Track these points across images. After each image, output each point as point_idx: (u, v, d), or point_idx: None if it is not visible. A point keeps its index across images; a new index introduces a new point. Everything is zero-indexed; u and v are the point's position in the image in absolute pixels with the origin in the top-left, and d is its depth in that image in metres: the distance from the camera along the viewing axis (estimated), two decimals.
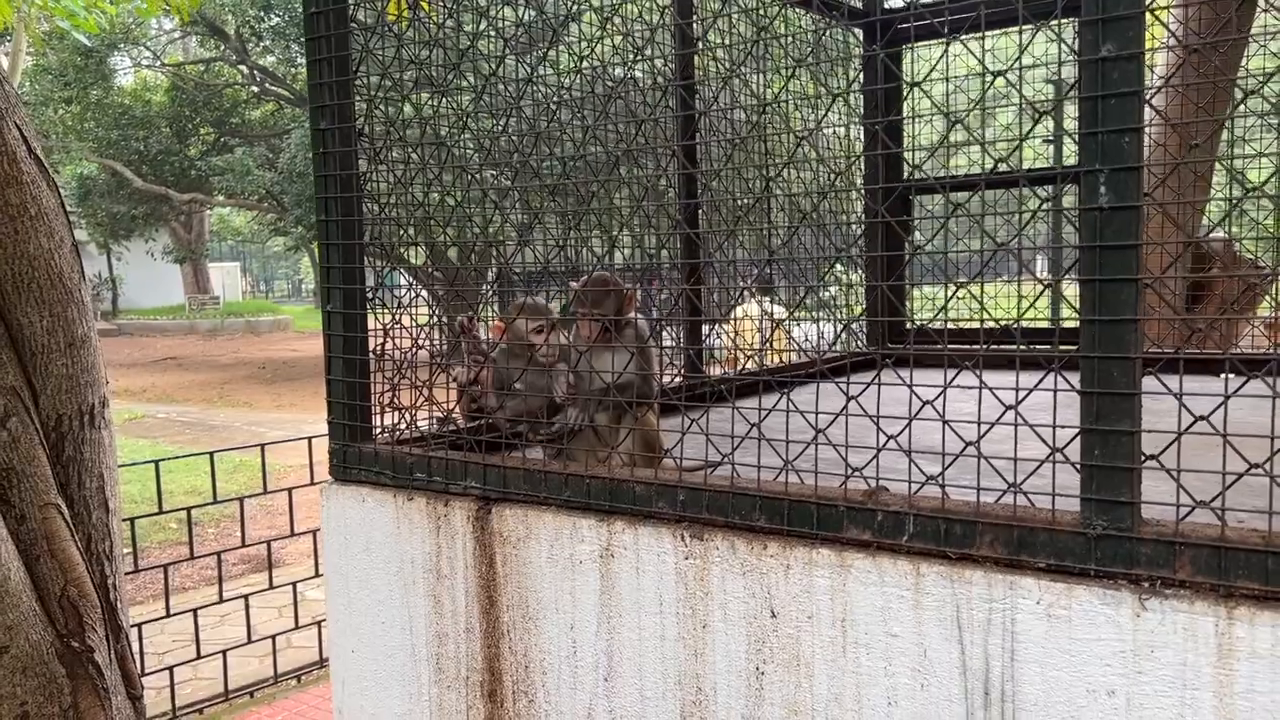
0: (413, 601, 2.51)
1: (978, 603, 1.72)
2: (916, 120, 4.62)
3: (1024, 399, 1.69)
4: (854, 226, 4.63)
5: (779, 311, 4.30)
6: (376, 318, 2.65)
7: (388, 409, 2.66)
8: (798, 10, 4.13)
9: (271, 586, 5.58)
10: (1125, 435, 1.58)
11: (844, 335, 4.44)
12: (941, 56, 1.94)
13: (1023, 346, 1.72)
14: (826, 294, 4.28)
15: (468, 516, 2.37)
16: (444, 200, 2.77)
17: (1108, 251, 1.57)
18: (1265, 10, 4.63)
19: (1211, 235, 5.34)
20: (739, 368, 4.11)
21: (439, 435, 2.62)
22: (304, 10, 2.59)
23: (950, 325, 1.94)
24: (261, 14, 20.45)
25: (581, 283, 2.39)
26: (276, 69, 22.73)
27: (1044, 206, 2.88)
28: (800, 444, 1.94)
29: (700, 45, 3.42)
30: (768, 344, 3.27)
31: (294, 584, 5.72)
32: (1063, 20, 4.43)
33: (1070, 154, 4.96)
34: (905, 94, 1.92)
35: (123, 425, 13.58)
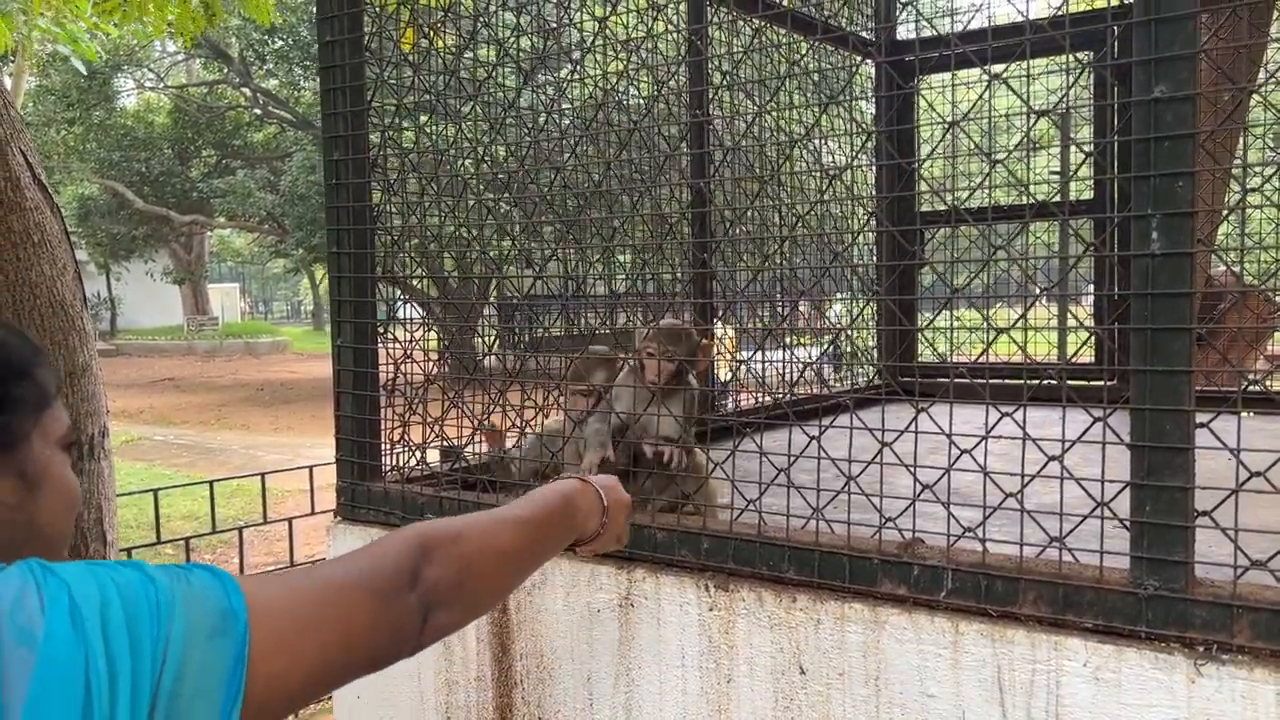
0: None
1: (1020, 663, 1.64)
2: (925, 149, 4.58)
3: (1069, 448, 1.62)
4: (867, 256, 4.59)
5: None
6: (388, 351, 2.58)
7: (398, 445, 2.59)
8: (808, 41, 4.09)
9: None
10: (1178, 491, 1.51)
11: (867, 369, 4.38)
12: (982, 94, 1.88)
13: (1066, 389, 1.65)
14: (854, 332, 4.21)
15: None
16: (458, 232, 2.71)
17: (1160, 299, 1.51)
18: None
19: (1219, 269, 5.30)
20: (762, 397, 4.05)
21: (451, 474, 2.55)
22: (318, 39, 2.53)
23: (983, 361, 1.87)
24: (266, 37, 20.49)
25: (658, 328, 2.24)
26: (279, 92, 22.76)
27: (1088, 250, 2.83)
28: (829, 491, 1.87)
29: (720, 79, 3.38)
30: (792, 381, 3.20)
31: None
32: (1078, 55, 4.41)
33: (1083, 189, 4.91)
34: (945, 133, 1.86)
35: (119, 448, 13.46)
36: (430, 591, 1.13)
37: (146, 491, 5.15)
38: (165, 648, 0.88)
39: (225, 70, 23.31)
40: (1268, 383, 2.95)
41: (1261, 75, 4.89)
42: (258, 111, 23.88)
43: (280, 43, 20.72)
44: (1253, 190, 1.83)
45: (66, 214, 3.12)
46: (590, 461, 2.15)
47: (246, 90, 23.36)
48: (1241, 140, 4.70)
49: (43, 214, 3.31)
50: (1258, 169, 4.18)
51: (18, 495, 1.03)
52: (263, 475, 5.39)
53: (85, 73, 17.81)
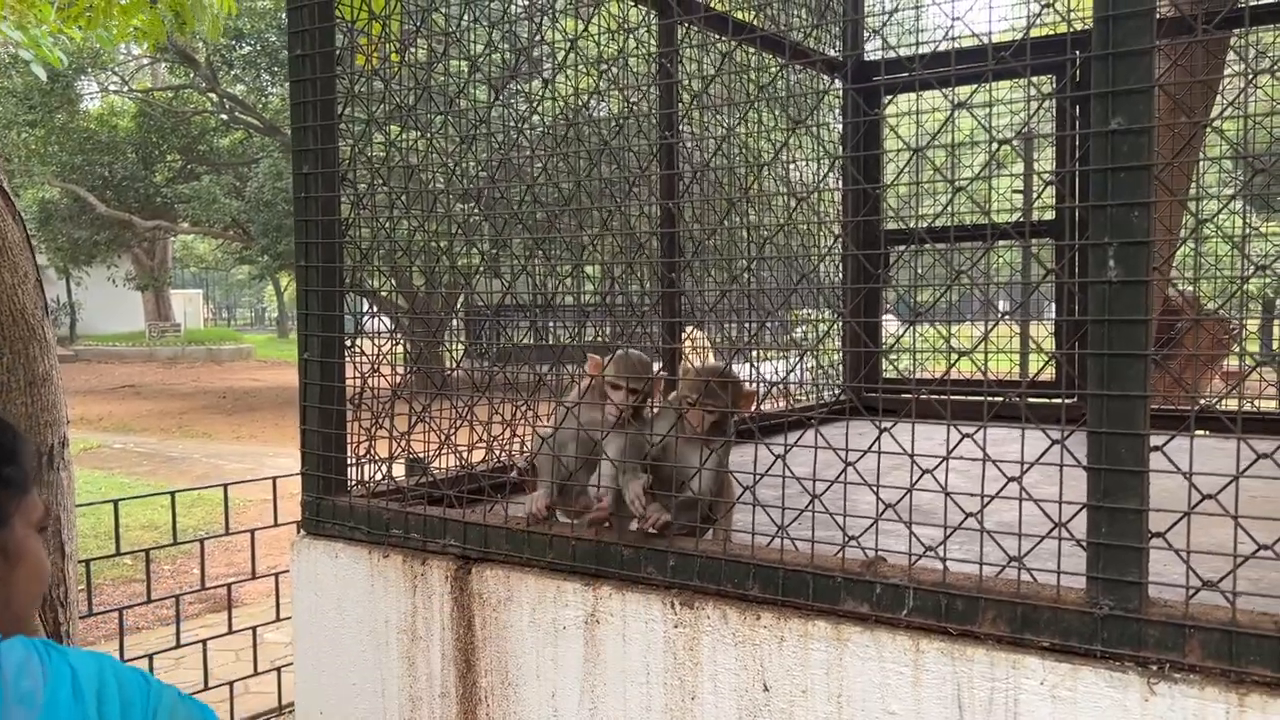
0: (386, 663, 2.41)
1: (979, 681, 1.67)
2: (891, 169, 4.64)
3: (1027, 470, 1.66)
4: (833, 274, 4.63)
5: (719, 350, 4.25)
6: (355, 365, 2.58)
7: (363, 460, 2.58)
8: (777, 61, 4.14)
9: (231, 630, 5.40)
10: (1133, 513, 1.55)
11: (827, 384, 4.41)
12: (947, 120, 1.91)
13: (1026, 412, 1.68)
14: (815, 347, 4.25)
15: (446, 576, 2.29)
16: (427, 244, 2.71)
17: (1116, 326, 1.54)
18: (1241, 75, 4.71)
19: (1177, 287, 5.40)
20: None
21: (417, 489, 2.54)
22: (289, 52, 2.53)
23: (946, 378, 1.90)
24: (232, 43, 20.33)
25: (704, 376, 2.15)
26: (246, 97, 22.56)
27: (1047, 276, 2.89)
28: (794, 509, 1.89)
29: (689, 99, 3.40)
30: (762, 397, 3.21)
31: (254, 628, 5.55)
32: (1039, 79, 4.49)
33: (1045, 208, 4.99)
34: (910, 159, 1.89)
35: (78, 456, 13.23)
36: None
37: (106, 502, 5.06)
38: None
39: (191, 75, 23.06)
40: (1222, 403, 3.03)
41: (1218, 104, 5.00)
42: (224, 117, 23.64)
43: (248, 48, 20.57)
44: (1206, 221, 1.88)
45: (26, 218, 3.08)
46: (635, 492, 2.08)
47: (213, 95, 23.12)
48: (1197, 167, 4.80)
49: (3, 220, 3.27)
50: (1213, 195, 4.27)
51: None
52: (225, 486, 5.33)
53: (46, 79, 17.56)
